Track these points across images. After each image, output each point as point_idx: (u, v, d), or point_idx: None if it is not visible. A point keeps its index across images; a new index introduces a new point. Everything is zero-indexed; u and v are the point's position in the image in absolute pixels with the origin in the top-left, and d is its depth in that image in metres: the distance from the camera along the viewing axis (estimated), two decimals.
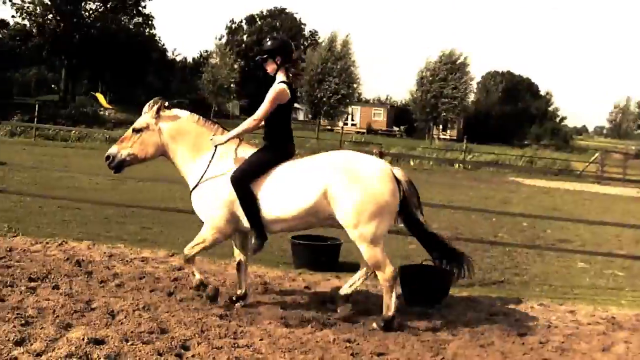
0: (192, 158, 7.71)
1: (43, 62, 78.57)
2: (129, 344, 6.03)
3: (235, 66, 74.69)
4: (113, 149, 7.79)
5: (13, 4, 69.95)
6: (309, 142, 42.08)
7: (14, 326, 6.19)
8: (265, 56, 7.72)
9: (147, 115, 7.82)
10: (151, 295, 7.66)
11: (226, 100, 76.80)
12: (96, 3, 73.44)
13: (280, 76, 7.66)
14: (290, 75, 7.69)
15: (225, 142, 7.59)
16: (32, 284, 7.71)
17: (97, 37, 71.02)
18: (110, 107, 65.59)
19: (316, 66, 65.09)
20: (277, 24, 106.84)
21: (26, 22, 73.34)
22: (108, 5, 73.11)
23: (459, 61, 69.80)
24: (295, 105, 54.81)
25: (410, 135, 77.77)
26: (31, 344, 5.88)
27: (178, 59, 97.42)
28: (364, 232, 7.17)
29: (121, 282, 8.11)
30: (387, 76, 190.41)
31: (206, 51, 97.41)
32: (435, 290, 8.43)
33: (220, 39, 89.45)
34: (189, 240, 7.36)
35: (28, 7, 71.25)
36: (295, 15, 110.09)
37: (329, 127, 69.77)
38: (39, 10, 71.72)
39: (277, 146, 7.63)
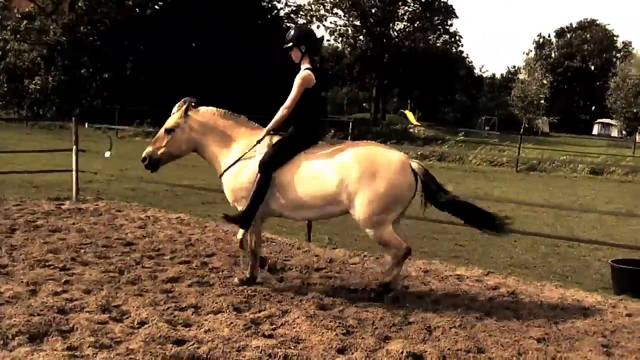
0: (222, 150, 8.19)
1: (354, 81, 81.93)
2: None
3: (545, 81, 72.86)
4: (148, 150, 8.33)
5: (327, 28, 73.97)
6: (624, 159, 39.76)
7: (336, 334, 6.40)
8: (290, 45, 8.15)
9: (176, 115, 8.28)
10: (467, 313, 7.55)
11: (536, 117, 75.10)
12: (404, 23, 75.33)
13: (305, 64, 8.10)
14: (316, 61, 8.26)
15: (265, 135, 8.00)
16: (352, 295, 7.95)
17: (405, 56, 72.78)
18: (419, 124, 66.76)
19: (636, 78, 61.29)
20: (588, 36, 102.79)
21: (339, 44, 77.15)
22: (416, 25, 74.65)
23: None
24: (609, 121, 52.18)
25: None
26: (352, 353, 6.03)
27: (485, 75, 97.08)
28: (373, 220, 7.62)
29: (437, 299, 8.10)
30: None
31: (514, 67, 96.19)
32: None
33: (528, 54, 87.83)
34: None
35: (340, 30, 74.91)
36: (607, 27, 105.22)
37: None
38: (350, 32, 75.12)
39: (302, 132, 8.03)
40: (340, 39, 76.53)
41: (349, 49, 76.88)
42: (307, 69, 8.05)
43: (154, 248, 9.76)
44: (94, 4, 45.29)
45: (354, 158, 7.62)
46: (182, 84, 42.95)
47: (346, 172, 7.55)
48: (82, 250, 9.34)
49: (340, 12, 74.58)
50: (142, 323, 6.45)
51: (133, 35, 44.64)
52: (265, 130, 8.07)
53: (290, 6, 59.37)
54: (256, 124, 8.39)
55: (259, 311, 7.05)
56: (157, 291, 7.56)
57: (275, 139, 8.04)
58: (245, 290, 7.75)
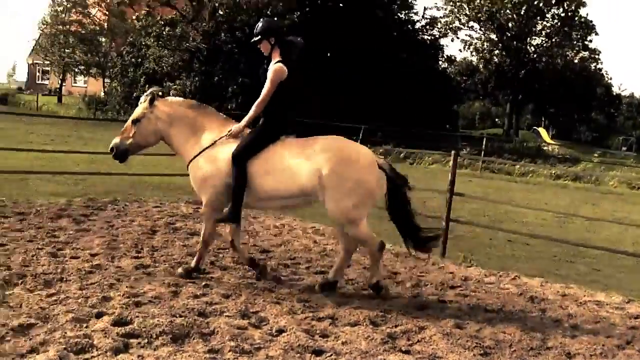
0: (189, 141, 8.26)
1: (487, 96, 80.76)
2: None
3: None
4: (116, 140, 8.35)
5: (462, 41, 73.29)
6: None
7: (474, 355, 6.33)
8: (258, 37, 8.24)
9: (142, 106, 8.35)
10: (608, 341, 7.26)
11: None
12: (542, 38, 73.73)
13: (276, 56, 8.23)
14: (289, 53, 8.27)
15: (242, 128, 8.17)
16: (488, 315, 7.82)
17: (541, 72, 71.23)
18: (552, 142, 65.19)
19: None
20: None
21: (473, 58, 76.31)
22: (554, 40, 72.92)
23: None
24: None
25: None
26: None
27: (624, 94, 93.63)
28: (350, 215, 7.77)
29: (575, 324, 7.86)
30: None
31: None
32: None
33: None
34: None
35: (476, 44, 74.07)
36: None
37: None
38: (486, 46, 74.13)
39: (273, 121, 8.16)
40: (475, 53, 75.63)
41: (483, 63, 75.89)
42: (279, 61, 8.18)
43: (290, 257, 9.88)
44: (234, 13, 46.41)
45: (325, 150, 7.79)
46: (314, 92, 43.50)
47: (317, 164, 7.70)
48: (221, 255, 9.57)
49: (476, 26, 73.74)
50: (280, 331, 6.52)
51: None
52: (241, 124, 8.23)
53: (426, 18, 59.10)
54: (224, 116, 8.56)
55: (396, 326, 7.02)
56: (294, 300, 7.64)
57: (245, 131, 8.22)
58: (382, 304, 7.75)
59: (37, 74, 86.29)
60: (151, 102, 8.35)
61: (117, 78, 52.69)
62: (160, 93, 8.59)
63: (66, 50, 64.52)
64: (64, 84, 70.10)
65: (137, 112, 8.42)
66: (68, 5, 65.36)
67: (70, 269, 8.07)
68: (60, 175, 15.80)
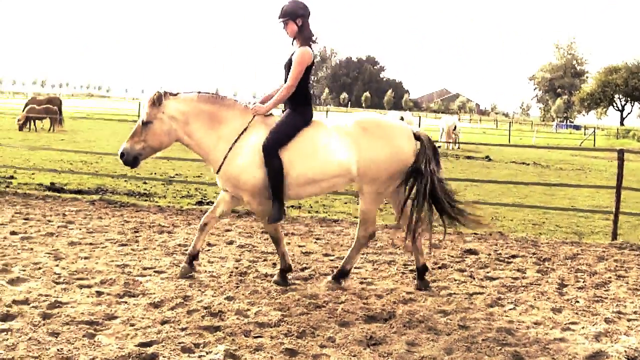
0: (211, 137, 7.71)
1: None
2: None
3: None
4: (125, 145, 7.71)
5: None
6: None
7: None
8: (286, 18, 7.83)
9: (151, 107, 7.67)
10: None
11: None
12: None
13: (300, 40, 7.89)
14: (311, 37, 7.87)
15: (267, 111, 7.83)
16: None
17: None
18: None
19: None
20: None
21: None
22: None
23: None
24: None
25: None
26: None
27: None
28: (378, 188, 7.77)
29: None
30: None
31: None
32: None
33: None
34: None
35: None
36: None
37: None
38: None
39: (301, 109, 7.84)
40: None
41: None
42: (305, 45, 7.87)
43: None
44: None
45: (362, 126, 7.73)
46: None
47: (355, 140, 7.60)
48: None
49: None
50: None
51: None
52: (266, 106, 7.88)
53: None
54: (244, 104, 8.07)
55: None
56: None
57: (272, 119, 7.91)
58: None
59: None
60: (159, 101, 7.79)
61: None
62: (169, 92, 7.93)
63: None
64: None
65: (146, 113, 7.85)
66: None
67: None
68: None
